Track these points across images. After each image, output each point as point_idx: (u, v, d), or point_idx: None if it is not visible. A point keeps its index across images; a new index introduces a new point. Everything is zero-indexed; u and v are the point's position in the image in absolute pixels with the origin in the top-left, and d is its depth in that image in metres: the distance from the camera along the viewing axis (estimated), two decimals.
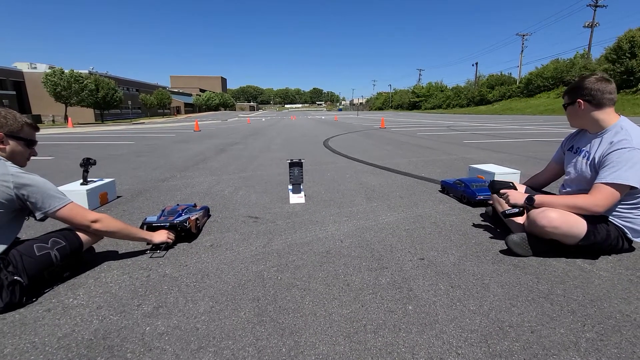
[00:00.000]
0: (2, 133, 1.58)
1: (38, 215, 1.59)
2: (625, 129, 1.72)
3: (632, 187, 1.64)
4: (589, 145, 1.87)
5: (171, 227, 2.09)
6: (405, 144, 8.10)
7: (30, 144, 1.71)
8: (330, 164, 5.23)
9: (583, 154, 1.89)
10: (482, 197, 2.78)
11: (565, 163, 2.08)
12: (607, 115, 1.80)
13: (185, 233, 2.14)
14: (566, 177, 2.04)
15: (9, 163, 1.55)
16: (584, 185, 1.84)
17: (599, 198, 1.66)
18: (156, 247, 2.00)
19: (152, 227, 2.08)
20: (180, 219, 2.15)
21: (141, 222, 2.15)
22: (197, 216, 2.30)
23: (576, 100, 1.83)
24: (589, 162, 1.82)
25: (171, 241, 2.04)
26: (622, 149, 1.65)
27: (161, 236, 1.99)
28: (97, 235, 1.82)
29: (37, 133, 1.77)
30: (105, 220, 1.75)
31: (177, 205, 2.46)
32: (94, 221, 1.72)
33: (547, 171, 2.27)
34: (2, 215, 1.50)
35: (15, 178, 1.51)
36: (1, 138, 1.58)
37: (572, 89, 1.87)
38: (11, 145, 1.62)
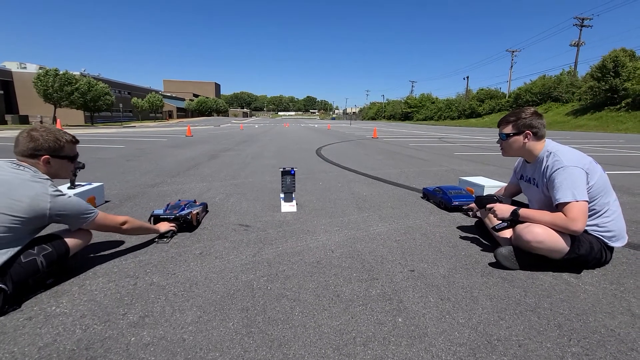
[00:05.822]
0: (48, 155, 1.65)
1: (71, 229, 1.73)
2: (554, 152, 1.88)
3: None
4: (532, 173, 2.05)
5: (175, 219, 2.40)
6: (397, 154, 8.19)
7: (73, 159, 1.82)
8: (323, 173, 5.24)
9: (532, 182, 2.05)
10: (457, 202, 3.04)
11: (523, 190, 2.26)
12: (541, 145, 1.98)
13: (186, 225, 2.43)
14: (529, 203, 2.17)
15: (49, 183, 1.59)
16: (549, 209, 1.89)
17: (571, 216, 1.70)
18: (162, 235, 2.27)
19: (158, 219, 2.41)
20: (183, 212, 2.47)
21: (149, 215, 2.45)
22: (197, 210, 2.59)
23: (524, 132, 1.97)
24: (539, 189, 1.97)
25: (175, 229, 2.34)
26: (557, 169, 1.79)
27: (164, 227, 2.30)
28: (90, 232, 1.87)
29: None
30: (130, 221, 1.96)
31: (180, 200, 2.76)
32: (123, 223, 1.90)
33: (507, 189, 2.44)
34: (20, 230, 1.48)
35: (54, 200, 1.55)
36: (47, 160, 1.65)
37: (518, 121, 1.99)
38: (56, 164, 1.70)
